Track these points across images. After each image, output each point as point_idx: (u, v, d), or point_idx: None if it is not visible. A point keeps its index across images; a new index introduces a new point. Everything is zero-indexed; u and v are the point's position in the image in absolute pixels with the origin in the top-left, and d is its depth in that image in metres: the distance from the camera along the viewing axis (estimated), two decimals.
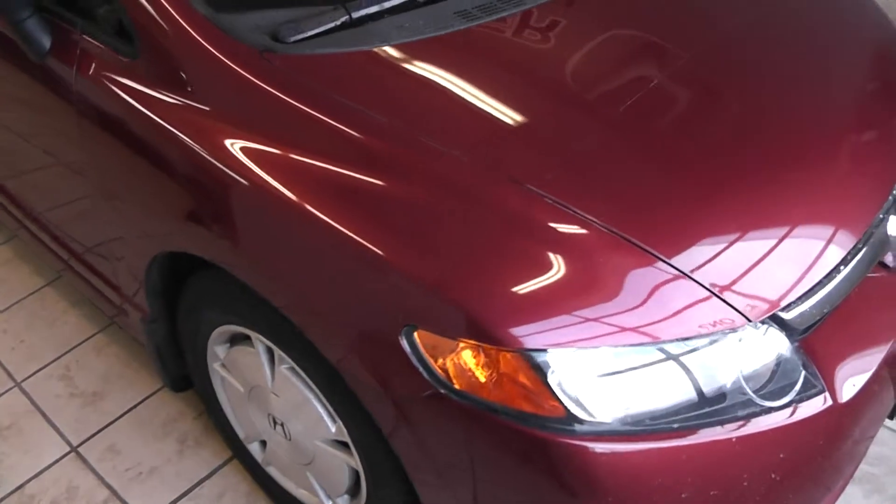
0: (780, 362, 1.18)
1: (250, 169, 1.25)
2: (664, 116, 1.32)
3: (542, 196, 1.15)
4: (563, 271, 1.10)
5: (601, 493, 1.08)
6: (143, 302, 1.69)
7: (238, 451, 1.83)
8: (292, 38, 1.37)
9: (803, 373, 1.18)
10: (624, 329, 1.08)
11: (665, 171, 1.25)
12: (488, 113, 1.30)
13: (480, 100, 1.32)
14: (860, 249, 1.29)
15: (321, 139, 1.25)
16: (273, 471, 1.72)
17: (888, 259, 1.41)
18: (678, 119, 1.33)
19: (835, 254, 1.24)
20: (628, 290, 1.10)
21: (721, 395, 1.13)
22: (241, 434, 1.76)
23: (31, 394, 2.15)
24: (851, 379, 1.24)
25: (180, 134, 1.34)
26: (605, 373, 1.09)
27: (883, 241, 1.36)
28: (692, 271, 1.12)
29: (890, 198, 1.38)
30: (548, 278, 1.09)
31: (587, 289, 1.09)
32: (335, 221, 1.17)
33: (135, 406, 2.09)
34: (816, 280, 1.21)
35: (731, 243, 1.17)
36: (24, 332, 2.33)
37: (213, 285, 1.46)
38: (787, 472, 1.19)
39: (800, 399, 1.17)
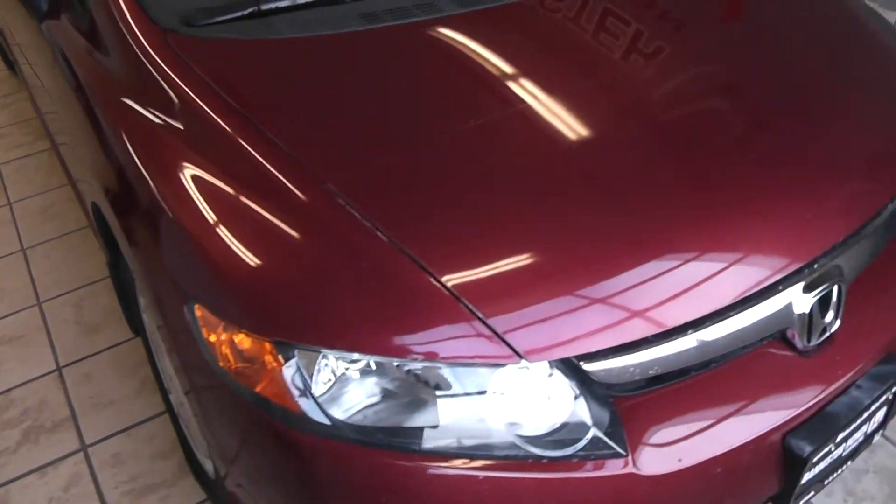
0: (572, 414, 1.12)
1: (124, 129, 1.38)
2: (511, 139, 1.30)
3: (344, 204, 1.17)
4: (328, 274, 1.11)
5: (317, 490, 1.10)
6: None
7: (167, 400, 1.97)
8: (199, 23, 1.47)
9: (593, 430, 1.11)
10: (378, 341, 1.07)
11: (475, 185, 1.22)
12: (345, 118, 1.33)
13: (342, 103, 1.35)
14: (729, 317, 1.19)
15: (183, 115, 1.34)
16: (181, 421, 1.84)
17: (796, 339, 1.28)
18: (525, 140, 1.30)
19: (673, 316, 1.14)
20: (395, 304, 1.09)
21: (484, 430, 1.09)
22: (164, 381, 1.89)
23: (46, 313, 2.43)
24: (679, 454, 1.15)
25: (95, 93, 1.49)
26: (352, 379, 1.10)
27: (782, 317, 1.24)
28: (466, 295, 1.08)
29: (806, 271, 1.25)
30: (308, 278, 1.12)
31: (349, 295, 1.10)
32: (171, 189, 1.26)
33: (119, 344, 2.30)
34: (633, 338, 1.12)
35: (535, 280, 1.12)
36: (61, 261, 2.63)
37: None
38: None
39: (585, 456, 1.11)
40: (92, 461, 1.97)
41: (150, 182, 1.29)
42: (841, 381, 1.28)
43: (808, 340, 1.27)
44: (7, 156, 3.12)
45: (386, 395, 1.10)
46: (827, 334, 1.29)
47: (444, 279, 1.08)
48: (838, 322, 1.30)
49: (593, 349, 1.09)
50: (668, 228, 1.18)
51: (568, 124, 1.33)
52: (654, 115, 1.37)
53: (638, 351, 1.13)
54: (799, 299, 1.24)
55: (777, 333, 1.27)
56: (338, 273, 1.11)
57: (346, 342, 1.07)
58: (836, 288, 1.27)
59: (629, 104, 1.39)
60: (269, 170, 1.23)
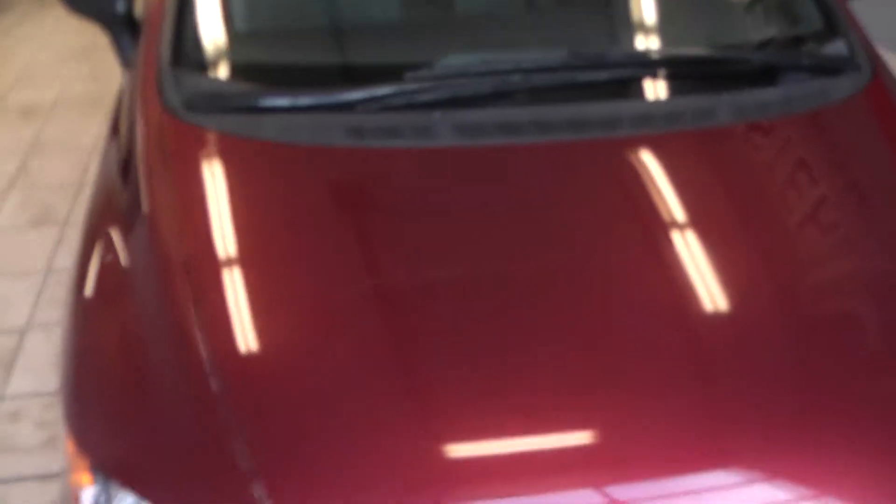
0: None
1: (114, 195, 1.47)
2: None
3: (200, 343, 1.15)
4: (154, 415, 1.12)
5: None
6: None
7: None
8: (196, 109, 1.41)
9: None
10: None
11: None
12: (266, 253, 1.28)
13: (275, 229, 1.31)
14: None
15: (129, 191, 1.39)
16: None
17: None
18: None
19: None
20: (198, 473, 1.06)
21: None
22: None
23: None
24: None
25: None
26: None
27: None
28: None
29: None
30: (137, 412, 1.14)
31: (164, 442, 1.10)
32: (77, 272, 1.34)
33: None
34: None
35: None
36: None
37: None
38: None
39: None
40: None
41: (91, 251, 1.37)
42: None
43: None
44: None
45: None
46: None
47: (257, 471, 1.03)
48: None
49: None
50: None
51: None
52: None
53: None
54: None
55: None
56: (161, 416, 1.11)
57: (143, 489, 1.06)
58: None
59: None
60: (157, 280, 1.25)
